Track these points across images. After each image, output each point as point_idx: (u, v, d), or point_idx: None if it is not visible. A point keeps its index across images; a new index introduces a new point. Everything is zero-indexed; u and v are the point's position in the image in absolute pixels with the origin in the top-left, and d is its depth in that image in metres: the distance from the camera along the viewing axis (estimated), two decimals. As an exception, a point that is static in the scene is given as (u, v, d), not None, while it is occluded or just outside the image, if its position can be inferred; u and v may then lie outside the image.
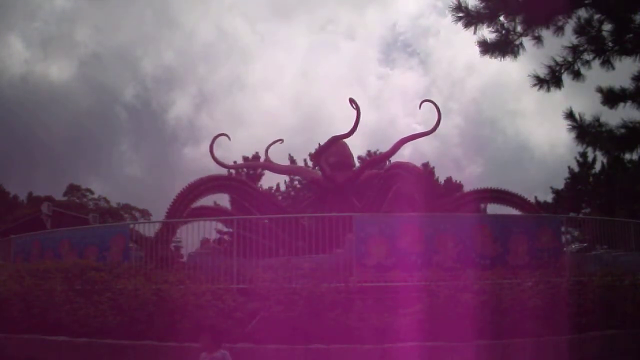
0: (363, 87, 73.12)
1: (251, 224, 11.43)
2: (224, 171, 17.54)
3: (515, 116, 66.32)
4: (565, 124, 8.66)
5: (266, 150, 17.54)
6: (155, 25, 78.71)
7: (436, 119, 14.75)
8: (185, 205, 13.51)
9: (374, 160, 16.12)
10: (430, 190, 14.97)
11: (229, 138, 16.50)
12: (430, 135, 15.25)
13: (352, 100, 13.90)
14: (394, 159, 17.63)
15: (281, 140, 17.59)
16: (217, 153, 16.18)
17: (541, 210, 18.43)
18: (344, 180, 14.73)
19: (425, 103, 14.90)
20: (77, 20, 75.57)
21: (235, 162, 29.06)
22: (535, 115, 62.43)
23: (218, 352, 6.14)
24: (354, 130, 14.04)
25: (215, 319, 8.22)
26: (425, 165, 30.88)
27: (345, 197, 14.61)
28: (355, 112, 13.68)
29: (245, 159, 29.35)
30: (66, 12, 76.09)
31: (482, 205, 17.73)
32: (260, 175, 28.20)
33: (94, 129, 66.38)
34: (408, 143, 15.55)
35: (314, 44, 78.80)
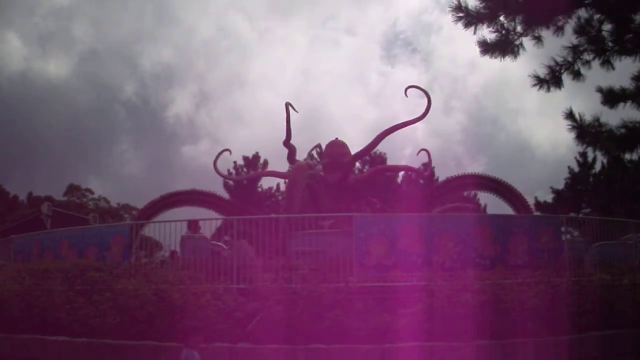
0: (364, 84, 73.05)
1: (250, 224, 11.42)
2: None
3: (517, 114, 66.28)
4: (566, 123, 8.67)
5: (310, 156, 17.85)
6: (154, 22, 78.73)
7: (425, 107, 14.73)
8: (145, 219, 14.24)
9: (358, 154, 16.15)
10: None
11: (230, 153, 17.46)
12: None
13: (286, 105, 15.07)
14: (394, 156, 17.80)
15: (319, 145, 18.13)
16: (217, 152, 16.73)
17: (539, 207, 18.46)
18: (336, 180, 15.00)
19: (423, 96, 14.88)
20: (75, 16, 75.49)
21: (235, 162, 29.20)
22: (538, 113, 62.44)
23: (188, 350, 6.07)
24: (289, 135, 15.25)
25: (215, 318, 8.22)
26: (426, 165, 30.82)
27: (339, 196, 14.82)
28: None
29: (245, 159, 29.37)
30: (64, 9, 76.07)
31: (470, 192, 17.83)
32: (261, 177, 28.24)
33: (93, 126, 66.34)
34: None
35: (315, 40, 78.77)
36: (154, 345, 8.08)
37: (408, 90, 14.81)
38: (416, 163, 19.96)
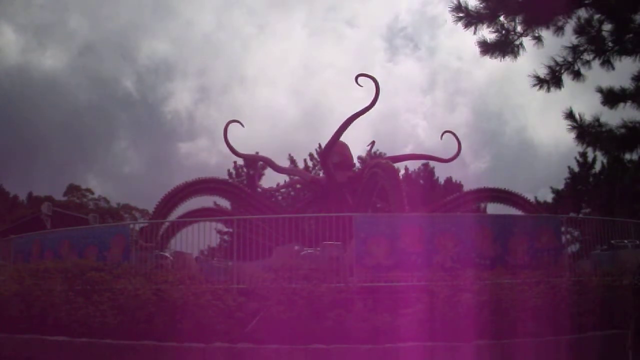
0: (366, 79, 72.63)
1: (251, 224, 11.43)
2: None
3: (521, 110, 66.09)
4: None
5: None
6: (152, 16, 78.73)
7: (374, 95, 15.23)
8: (169, 208, 14.39)
9: (322, 153, 16.26)
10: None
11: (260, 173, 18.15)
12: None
13: (225, 126, 16.22)
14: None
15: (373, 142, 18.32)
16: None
17: (541, 210, 18.48)
18: (326, 182, 15.18)
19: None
20: (72, 9, 75.50)
21: (235, 162, 29.18)
22: (542, 110, 62.30)
23: None
24: (233, 151, 16.88)
25: (215, 318, 8.22)
26: (425, 165, 30.84)
27: (328, 196, 14.97)
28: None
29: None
30: (61, 1, 76.07)
31: (482, 205, 17.75)
32: (261, 176, 28.25)
33: (91, 122, 66.43)
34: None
35: (315, 33, 78.55)
36: (154, 345, 8.07)
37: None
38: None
